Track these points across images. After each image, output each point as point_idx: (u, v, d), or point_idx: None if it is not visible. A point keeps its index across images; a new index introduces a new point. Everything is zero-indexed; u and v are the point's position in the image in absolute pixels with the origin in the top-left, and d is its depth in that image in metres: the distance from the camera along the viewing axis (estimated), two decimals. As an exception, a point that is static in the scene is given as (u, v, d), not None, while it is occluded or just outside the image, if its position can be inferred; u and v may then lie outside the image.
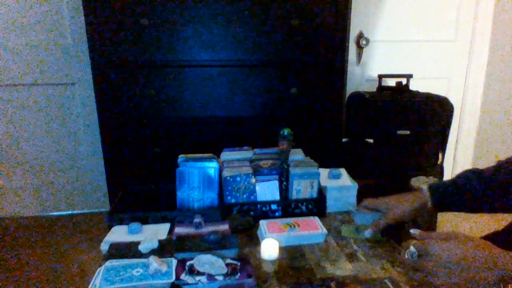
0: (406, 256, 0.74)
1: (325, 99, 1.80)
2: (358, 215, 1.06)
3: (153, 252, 0.93)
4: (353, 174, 1.31)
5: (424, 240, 0.73)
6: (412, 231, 0.77)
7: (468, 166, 2.62)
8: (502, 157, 0.95)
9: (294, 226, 1.05)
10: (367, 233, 1.00)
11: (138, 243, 0.94)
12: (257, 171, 1.18)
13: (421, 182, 1.00)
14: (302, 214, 1.17)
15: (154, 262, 0.83)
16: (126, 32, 1.62)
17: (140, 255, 0.92)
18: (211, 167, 1.17)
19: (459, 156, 2.62)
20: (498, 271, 0.64)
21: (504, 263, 0.65)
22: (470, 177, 0.93)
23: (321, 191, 1.21)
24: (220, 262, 0.85)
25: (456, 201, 0.94)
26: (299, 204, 1.17)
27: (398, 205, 0.97)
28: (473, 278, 0.65)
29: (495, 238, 0.98)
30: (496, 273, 0.64)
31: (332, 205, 1.21)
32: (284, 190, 1.17)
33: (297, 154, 1.26)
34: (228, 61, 1.71)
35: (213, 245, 0.94)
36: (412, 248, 0.73)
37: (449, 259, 0.67)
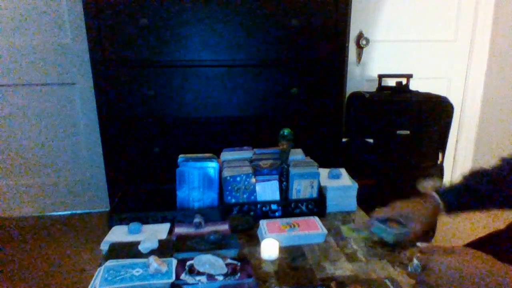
0: (409, 269, 0.74)
1: (325, 99, 1.80)
2: (377, 227, 1.01)
3: (153, 252, 0.93)
4: (353, 174, 1.32)
5: (427, 253, 0.73)
6: (418, 243, 0.78)
7: (468, 166, 2.62)
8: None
9: (294, 226, 1.05)
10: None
11: (138, 243, 0.94)
12: (257, 171, 1.18)
13: (430, 186, 0.99)
14: (302, 214, 1.17)
15: (154, 262, 0.83)
16: (126, 32, 1.62)
17: (140, 255, 0.92)
18: (211, 167, 1.17)
19: (459, 156, 2.62)
20: (499, 285, 0.65)
21: (505, 276, 0.65)
22: (477, 177, 0.94)
23: (321, 191, 1.21)
24: (220, 262, 0.85)
25: (466, 203, 0.93)
26: (299, 204, 1.17)
27: (416, 215, 0.94)
28: None
29: (496, 237, 0.98)
30: (496, 286, 0.65)
31: (332, 205, 1.21)
32: (284, 190, 1.17)
33: (297, 154, 1.26)
34: (228, 61, 1.71)
35: (213, 245, 0.94)
36: (415, 261, 0.73)
37: (451, 272, 0.68)
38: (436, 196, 0.95)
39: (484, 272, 0.66)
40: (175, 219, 1.11)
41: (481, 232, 1.03)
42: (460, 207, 0.94)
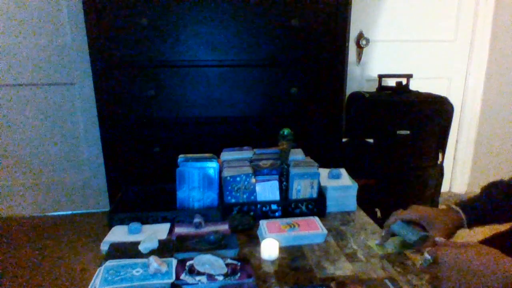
0: (421, 263, 0.75)
1: (325, 99, 1.80)
2: (398, 226, 0.96)
3: (153, 252, 0.93)
4: (353, 174, 1.31)
5: (438, 247, 0.74)
6: (437, 239, 0.78)
7: (468, 166, 2.62)
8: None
9: (294, 226, 1.05)
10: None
11: (138, 243, 0.94)
12: (257, 171, 1.18)
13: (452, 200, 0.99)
14: (302, 214, 1.17)
15: (154, 262, 0.83)
16: (126, 32, 1.62)
17: (140, 255, 0.92)
18: (211, 167, 1.17)
19: (459, 156, 2.62)
20: (503, 278, 0.65)
21: (509, 269, 0.65)
22: (496, 190, 0.93)
23: (321, 191, 1.21)
24: (220, 262, 0.85)
25: (487, 217, 0.93)
26: (299, 204, 1.17)
27: (439, 223, 0.92)
28: (479, 284, 0.66)
29: (501, 238, 0.98)
30: (501, 279, 0.65)
31: (332, 205, 1.21)
32: (284, 190, 1.17)
33: (297, 154, 1.26)
34: (228, 61, 1.71)
35: (213, 245, 0.94)
36: (426, 255, 0.74)
37: (460, 265, 0.69)
38: (458, 210, 0.93)
39: (492, 265, 0.67)
40: (175, 219, 1.11)
41: (486, 233, 1.03)
42: (481, 221, 0.93)
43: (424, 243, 0.92)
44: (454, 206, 0.94)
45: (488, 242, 0.98)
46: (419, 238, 0.92)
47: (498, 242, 0.96)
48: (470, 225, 0.93)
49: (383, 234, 1.00)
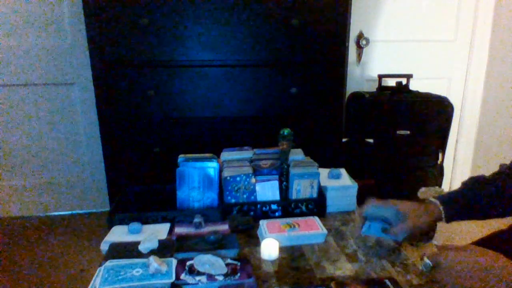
0: (421, 268, 0.75)
1: (325, 99, 1.80)
2: (373, 207, 0.97)
3: (153, 252, 0.93)
4: (353, 174, 1.32)
5: (438, 252, 0.74)
6: (435, 242, 0.79)
7: (468, 166, 2.62)
8: (502, 157, 0.95)
9: (294, 226, 1.05)
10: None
11: (138, 243, 0.94)
12: (257, 171, 1.18)
13: (431, 194, 0.98)
14: (302, 214, 1.17)
15: (154, 262, 0.83)
16: (126, 32, 1.62)
17: (140, 255, 0.92)
18: (211, 167, 1.17)
19: (459, 156, 2.62)
20: (504, 282, 0.65)
21: (510, 273, 0.65)
22: (476, 185, 0.93)
23: (321, 191, 1.21)
24: (220, 262, 0.85)
25: (466, 211, 0.92)
26: (299, 204, 1.17)
27: (417, 217, 0.91)
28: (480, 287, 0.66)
29: (499, 238, 0.99)
30: (504, 284, 0.65)
31: (332, 205, 1.21)
32: (284, 190, 1.17)
33: (297, 154, 1.26)
34: (228, 61, 1.71)
35: (213, 245, 0.94)
36: (426, 260, 0.74)
37: (459, 268, 0.69)
38: (437, 202, 0.92)
39: (492, 268, 0.67)
40: (175, 219, 1.11)
41: (483, 232, 1.03)
42: (460, 215, 0.93)
43: (391, 227, 0.92)
44: (432, 199, 0.93)
45: (486, 241, 0.98)
46: (390, 214, 0.92)
47: (497, 242, 0.96)
48: (448, 219, 0.92)
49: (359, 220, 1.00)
